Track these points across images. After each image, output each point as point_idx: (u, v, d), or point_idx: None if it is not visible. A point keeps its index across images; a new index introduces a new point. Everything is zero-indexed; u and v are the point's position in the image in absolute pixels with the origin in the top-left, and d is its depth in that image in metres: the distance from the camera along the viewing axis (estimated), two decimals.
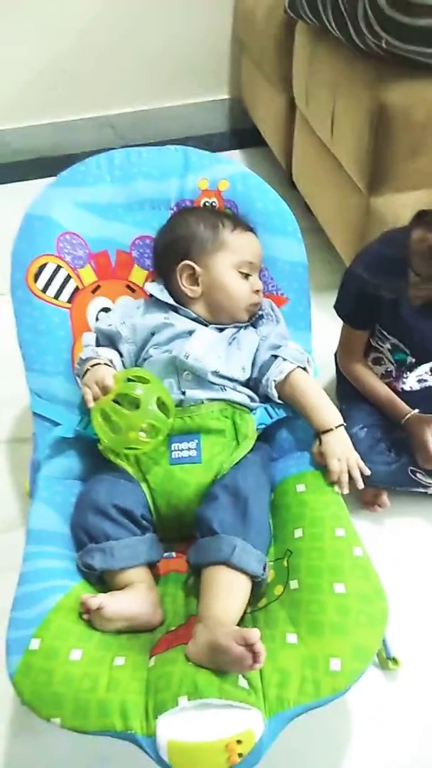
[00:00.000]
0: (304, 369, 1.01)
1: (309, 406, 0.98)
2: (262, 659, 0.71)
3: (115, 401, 0.91)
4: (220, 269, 1.03)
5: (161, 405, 0.91)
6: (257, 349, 1.03)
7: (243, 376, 1.01)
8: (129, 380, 0.92)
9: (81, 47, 2.17)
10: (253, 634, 0.71)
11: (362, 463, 0.96)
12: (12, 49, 2.13)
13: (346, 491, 0.94)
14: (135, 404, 0.90)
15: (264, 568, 0.84)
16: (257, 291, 1.05)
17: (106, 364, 0.97)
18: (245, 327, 1.06)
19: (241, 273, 1.04)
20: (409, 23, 1.15)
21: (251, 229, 1.08)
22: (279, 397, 1.00)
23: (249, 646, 0.71)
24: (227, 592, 0.81)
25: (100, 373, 0.93)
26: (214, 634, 0.74)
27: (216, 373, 0.97)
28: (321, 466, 0.96)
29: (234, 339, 1.03)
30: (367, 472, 0.96)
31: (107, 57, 2.21)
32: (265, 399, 1.02)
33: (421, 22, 1.14)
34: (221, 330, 1.03)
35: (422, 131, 1.29)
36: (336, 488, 0.93)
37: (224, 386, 0.98)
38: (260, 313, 1.07)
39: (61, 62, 2.18)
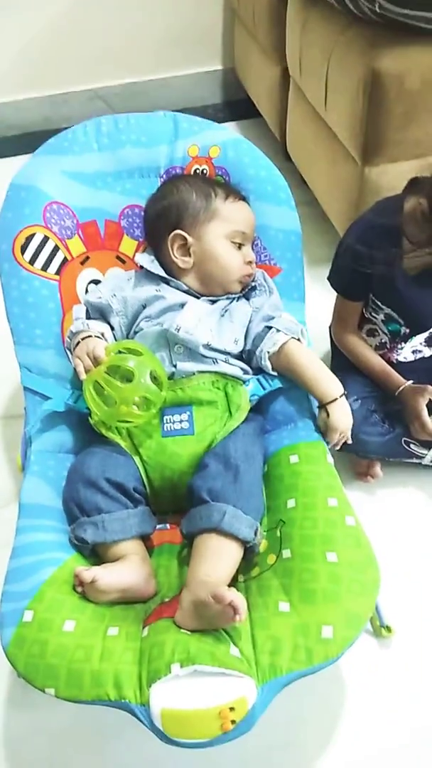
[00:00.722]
0: (298, 340, 1.00)
1: (308, 377, 0.97)
2: (242, 611, 0.72)
3: (107, 373, 0.90)
4: (212, 239, 1.01)
5: (154, 378, 0.90)
6: (250, 321, 1.01)
7: (235, 349, 1.00)
8: (120, 353, 0.91)
9: (70, 19, 2.13)
10: (226, 595, 0.72)
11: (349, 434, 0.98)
12: (0, 22, 2.09)
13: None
14: (127, 377, 0.89)
15: (255, 533, 0.83)
16: (250, 262, 1.03)
17: (96, 336, 0.96)
18: (237, 299, 1.04)
19: (234, 243, 1.02)
20: None
21: (244, 198, 1.06)
22: (273, 369, 0.99)
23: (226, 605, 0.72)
24: (216, 557, 0.81)
25: (92, 345, 0.92)
26: (196, 593, 0.75)
27: (207, 346, 0.96)
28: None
29: (226, 311, 1.02)
30: (350, 441, 0.98)
31: (97, 29, 2.17)
32: (259, 371, 1.01)
33: None
34: (213, 302, 1.02)
35: (416, 98, 1.27)
36: (329, 458, 0.93)
37: (216, 359, 0.97)
38: (253, 284, 1.05)
39: (50, 35, 2.14)
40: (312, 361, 0.99)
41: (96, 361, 0.91)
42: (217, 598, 0.72)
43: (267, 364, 0.98)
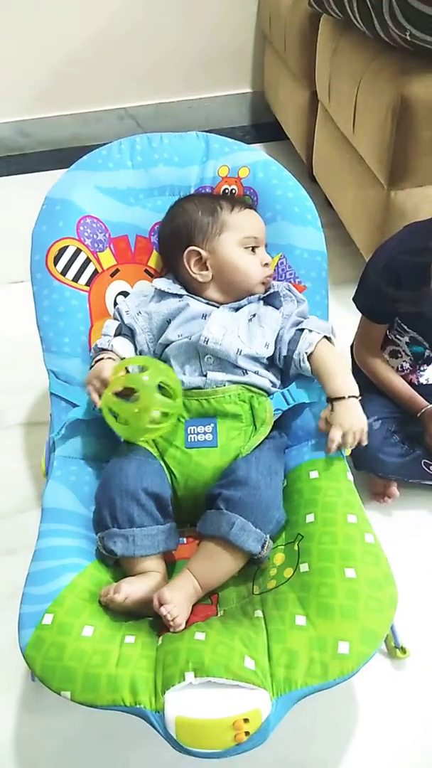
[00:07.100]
0: (329, 339, 1.01)
1: (327, 372, 0.97)
2: (175, 625, 0.78)
3: (118, 395, 0.91)
4: (226, 249, 1.03)
5: (165, 388, 0.91)
6: (281, 328, 1.02)
7: (266, 353, 1.00)
8: (127, 369, 0.93)
9: (103, 40, 2.19)
10: (163, 602, 0.79)
11: (365, 437, 0.93)
12: (34, 42, 2.16)
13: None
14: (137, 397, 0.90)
15: (263, 547, 0.85)
16: (267, 264, 1.05)
17: (110, 358, 0.98)
18: (263, 304, 1.05)
19: (248, 248, 1.04)
20: None
21: (251, 206, 1.08)
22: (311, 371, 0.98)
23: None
24: (213, 563, 0.86)
25: (99, 368, 0.95)
26: (173, 582, 0.84)
27: (240, 353, 0.97)
28: (323, 432, 0.95)
29: (254, 316, 1.03)
30: (365, 443, 0.94)
31: (130, 49, 2.22)
32: (284, 382, 1.02)
33: None
34: (236, 309, 1.03)
35: None
36: (349, 475, 0.93)
37: (246, 370, 0.98)
38: (279, 291, 1.06)
39: (83, 54, 2.20)
40: (336, 359, 0.98)
41: (104, 383, 0.93)
42: (159, 599, 0.79)
43: (307, 366, 0.98)
